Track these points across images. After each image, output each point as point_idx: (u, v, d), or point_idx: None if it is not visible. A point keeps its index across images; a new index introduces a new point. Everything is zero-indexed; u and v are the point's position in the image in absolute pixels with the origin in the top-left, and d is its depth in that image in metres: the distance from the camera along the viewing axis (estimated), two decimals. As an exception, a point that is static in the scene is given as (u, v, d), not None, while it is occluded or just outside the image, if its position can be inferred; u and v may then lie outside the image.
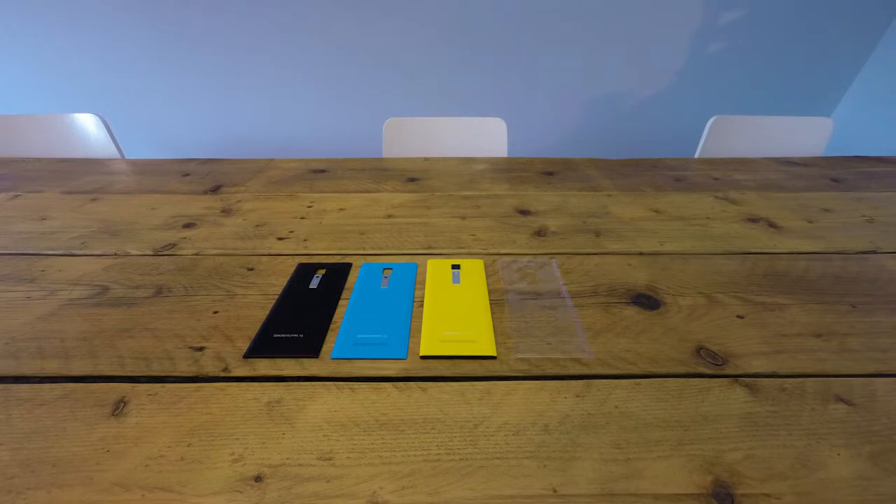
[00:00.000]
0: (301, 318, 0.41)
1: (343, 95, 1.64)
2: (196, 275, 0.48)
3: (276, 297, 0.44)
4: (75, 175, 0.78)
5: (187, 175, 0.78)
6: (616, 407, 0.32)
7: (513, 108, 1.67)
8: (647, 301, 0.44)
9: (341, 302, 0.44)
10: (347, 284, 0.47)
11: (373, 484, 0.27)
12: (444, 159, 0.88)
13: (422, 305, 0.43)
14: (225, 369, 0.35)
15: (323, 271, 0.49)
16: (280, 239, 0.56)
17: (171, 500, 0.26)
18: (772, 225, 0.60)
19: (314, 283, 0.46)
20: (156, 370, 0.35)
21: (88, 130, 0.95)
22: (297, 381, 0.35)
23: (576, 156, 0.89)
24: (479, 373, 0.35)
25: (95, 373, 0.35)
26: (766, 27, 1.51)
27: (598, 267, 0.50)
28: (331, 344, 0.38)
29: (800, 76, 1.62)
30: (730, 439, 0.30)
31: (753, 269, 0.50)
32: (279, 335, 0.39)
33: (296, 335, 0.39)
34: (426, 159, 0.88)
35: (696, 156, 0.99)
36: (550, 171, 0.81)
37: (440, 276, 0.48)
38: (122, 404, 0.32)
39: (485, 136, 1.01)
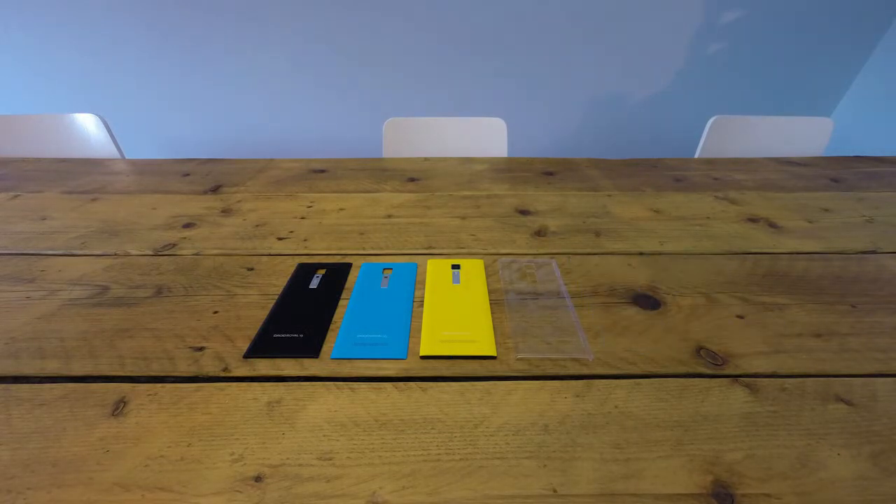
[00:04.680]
0: (301, 318, 0.41)
1: (343, 95, 1.64)
2: (196, 275, 0.48)
3: (276, 297, 0.44)
4: (75, 175, 0.78)
5: (187, 175, 0.78)
6: (616, 407, 0.32)
7: (513, 108, 1.67)
8: (647, 301, 0.44)
9: (341, 302, 0.44)
10: (347, 284, 0.47)
11: (373, 484, 0.27)
12: (444, 159, 0.88)
13: (422, 305, 0.43)
14: (225, 369, 0.35)
15: (323, 271, 0.49)
16: (280, 239, 0.56)
17: (171, 500, 0.26)
18: (772, 225, 0.60)
19: (314, 283, 0.46)
20: (156, 370, 0.35)
21: (88, 130, 0.95)
22: (297, 381, 0.35)
23: (576, 156, 0.89)
24: (479, 373, 0.35)
25: (95, 373, 0.35)
26: (766, 27, 1.51)
27: (598, 267, 0.50)
28: (331, 344, 0.38)
29: (800, 76, 1.62)
30: (730, 439, 0.30)
31: (753, 269, 0.50)
32: (279, 335, 0.39)
33: (296, 335, 0.39)
34: (426, 159, 0.88)
35: (696, 156, 0.99)
36: (550, 171, 0.81)
37: (440, 276, 0.48)
38: (122, 404, 0.32)
39: (485, 136, 1.01)
